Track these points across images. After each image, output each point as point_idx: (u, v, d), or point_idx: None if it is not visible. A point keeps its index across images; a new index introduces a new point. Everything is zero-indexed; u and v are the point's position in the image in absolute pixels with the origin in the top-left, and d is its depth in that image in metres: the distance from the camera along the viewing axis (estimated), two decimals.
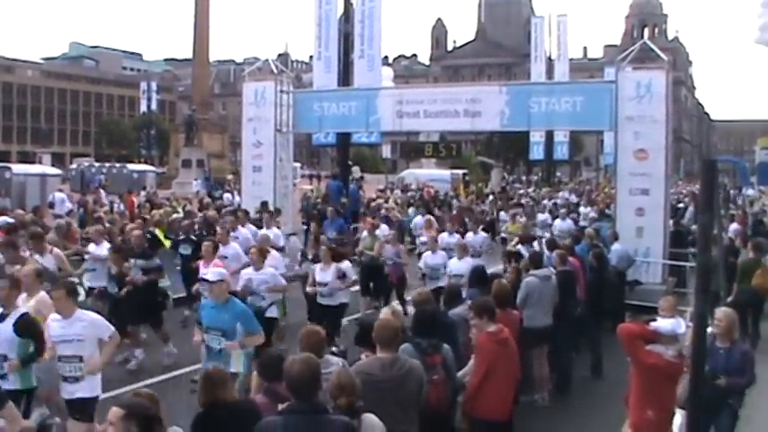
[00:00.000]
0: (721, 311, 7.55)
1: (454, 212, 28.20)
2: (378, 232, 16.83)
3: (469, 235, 16.60)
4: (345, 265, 12.34)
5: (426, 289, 9.33)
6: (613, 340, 7.33)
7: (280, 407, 5.01)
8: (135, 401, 4.40)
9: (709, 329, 7.38)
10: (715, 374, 7.12)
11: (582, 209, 29.52)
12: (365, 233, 17.08)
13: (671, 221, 18.27)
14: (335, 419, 4.68)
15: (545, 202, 34.73)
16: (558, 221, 21.85)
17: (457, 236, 16.29)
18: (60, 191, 31.76)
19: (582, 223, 23.25)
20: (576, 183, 69.61)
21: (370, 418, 4.97)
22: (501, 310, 7.91)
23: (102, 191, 36.73)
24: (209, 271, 8.80)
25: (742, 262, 13.44)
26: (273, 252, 12.75)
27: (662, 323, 6.83)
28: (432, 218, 20.34)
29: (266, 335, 9.81)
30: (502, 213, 27.10)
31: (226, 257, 12.33)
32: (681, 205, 29.55)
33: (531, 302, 9.98)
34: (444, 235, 16.31)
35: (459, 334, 7.52)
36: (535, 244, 15.80)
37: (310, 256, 14.08)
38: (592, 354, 11.75)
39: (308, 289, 12.51)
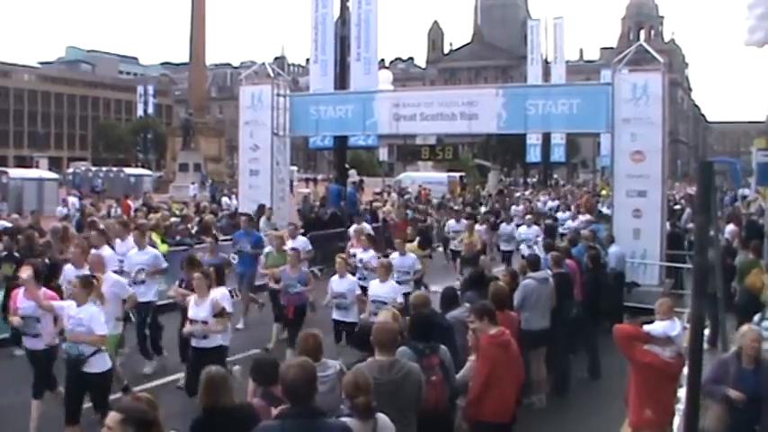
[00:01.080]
0: (753, 332, 6.98)
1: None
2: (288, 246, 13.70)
3: (394, 255, 13.46)
4: (221, 295, 9.29)
5: (423, 291, 9.14)
6: (611, 342, 7.33)
7: (273, 412, 5.01)
8: (133, 406, 4.38)
9: (732, 349, 7.18)
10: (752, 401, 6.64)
11: (560, 214, 27.62)
12: (269, 248, 14.30)
13: (668, 223, 18.29)
14: (333, 423, 4.69)
15: (514, 208, 30.91)
16: (523, 228, 19.97)
17: (373, 253, 13.75)
18: (73, 195, 31.99)
19: (560, 230, 21.95)
20: (572, 185, 69.60)
21: (384, 418, 5.01)
22: (499, 311, 7.91)
23: (73, 192, 36.63)
24: None
25: (741, 262, 13.54)
26: (111, 277, 9.99)
27: (654, 326, 6.86)
28: (366, 227, 18.48)
29: (94, 395, 8.16)
30: (451, 223, 21.93)
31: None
32: (677, 207, 29.46)
33: (529, 305, 9.98)
34: (358, 251, 13.96)
35: (457, 337, 7.52)
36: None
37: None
38: (589, 355, 11.75)
39: (186, 328, 9.42)
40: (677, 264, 16.99)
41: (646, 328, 6.86)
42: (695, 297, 5.12)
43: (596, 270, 12.75)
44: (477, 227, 19.83)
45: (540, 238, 17.91)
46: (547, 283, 10.39)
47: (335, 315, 11.31)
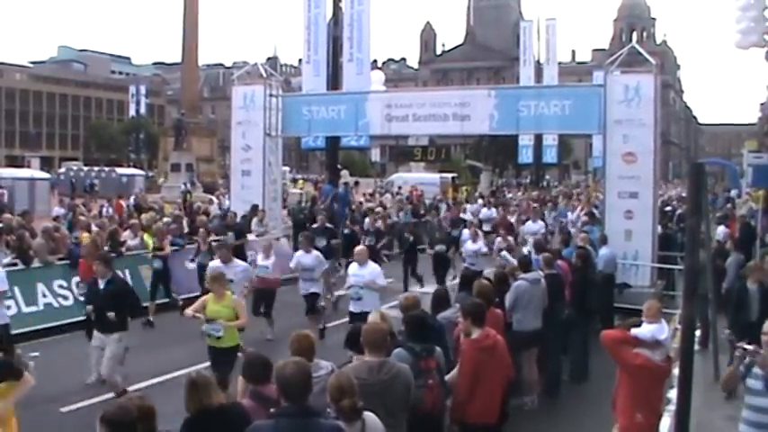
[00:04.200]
0: None
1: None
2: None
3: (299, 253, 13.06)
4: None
5: (413, 293, 9.02)
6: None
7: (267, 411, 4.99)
8: (112, 407, 4.33)
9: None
10: None
11: (464, 236, 17.74)
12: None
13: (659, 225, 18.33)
14: (326, 423, 4.66)
15: (367, 221, 22.29)
16: (354, 267, 11.50)
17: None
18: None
19: (466, 263, 16.33)
20: (565, 186, 69.67)
21: (372, 417, 5.00)
22: None
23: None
24: None
25: (763, 251, 14.34)
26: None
27: (642, 330, 6.84)
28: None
29: None
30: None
31: None
32: (668, 208, 29.45)
33: (521, 306, 9.98)
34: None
35: (448, 337, 7.51)
36: None
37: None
38: (575, 358, 11.70)
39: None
40: (669, 265, 17.03)
41: (633, 331, 6.83)
42: (686, 298, 5.13)
43: (585, 268, 12.75)
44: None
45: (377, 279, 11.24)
46: (539, 284, 10.39)
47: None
